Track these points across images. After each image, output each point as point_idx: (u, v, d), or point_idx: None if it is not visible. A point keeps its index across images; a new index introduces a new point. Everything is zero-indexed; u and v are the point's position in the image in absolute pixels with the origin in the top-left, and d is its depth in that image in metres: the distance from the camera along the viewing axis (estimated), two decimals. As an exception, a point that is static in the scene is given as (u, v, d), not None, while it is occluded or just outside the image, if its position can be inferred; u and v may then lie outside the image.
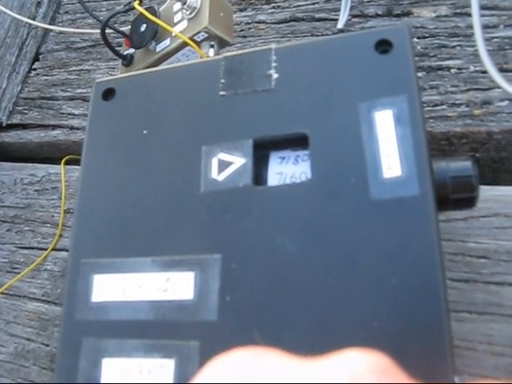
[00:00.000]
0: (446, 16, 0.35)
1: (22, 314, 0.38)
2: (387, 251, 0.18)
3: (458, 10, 0.35)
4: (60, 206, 0.41)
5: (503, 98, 0.31)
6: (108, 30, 0.30)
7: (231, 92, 0.23)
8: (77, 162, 0.42)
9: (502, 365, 0.25)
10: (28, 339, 0.36)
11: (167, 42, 0.30)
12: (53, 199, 0.42)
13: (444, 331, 0.17)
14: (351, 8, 0.37)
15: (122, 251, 0.22)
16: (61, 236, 0.40)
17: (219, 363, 0.13)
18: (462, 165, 0.22)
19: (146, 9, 0.30)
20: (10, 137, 0.48)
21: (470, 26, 0.29)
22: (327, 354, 0.13)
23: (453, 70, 0.33)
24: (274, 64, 0.23)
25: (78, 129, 0.45)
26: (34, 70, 0.51)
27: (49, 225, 0.41)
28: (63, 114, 0.46)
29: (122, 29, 0.33)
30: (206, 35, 0.29)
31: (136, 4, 0.30)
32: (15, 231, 0.42)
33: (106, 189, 0.23)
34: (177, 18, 0.30)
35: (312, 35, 0.39)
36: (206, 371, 0.13)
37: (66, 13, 0.53)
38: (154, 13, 0.30)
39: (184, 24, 0.29)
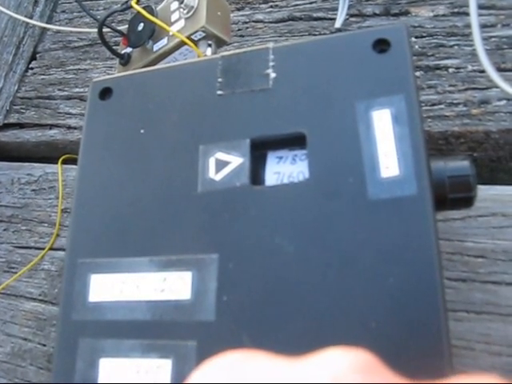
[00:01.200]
0: (443, 15, 0.35)
1: (19, 313, 0.38)
2: (385, 251, 0.18)
3: (456, 10, 0.35)
4: (57, 206, 0.41)
5: (501, 97, 0.31)
6: (105, 29, 0.30)
7: (228, 91, 0.23)
8: (74, 162, 0.42)
9: (499, 364, 0.25)
10: (25, 339, 0.36)
11: (164, 41, 0.30)
12: (50, 199, 0.42)
13: (442, 330, 0.17)
14: (349, 7, 0.37)
15: (119, 251, 0.22)
16: (58, 235, 0.40)
17: (211, 365, 0.13)
18: (460, 164, 0.22)
19: (144, 8, 0.30)
20: (7, 136, 0.48)
21: (468, 26, 0.29)
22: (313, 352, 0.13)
23: (451, 70, 0.33)
24: (271, 63, 0.23)
25: (75, 128, 0.45)
26: (31, 69, 0.51)
27: (46, 224, 0.41)
28: (60, 113, 0.46)
29: (119, 28, 0.33)
30: (204, 34, 0.29)
31: (133, 3, 0.30)
32: (12, 231, 0.42)
33: (103, 188, 0.23)
34: (174, 17, 0.30)
35: (310, 34, 0.39)
36: (198, 373, 0.13)
37: (63, 12, 0.53)
38: (152, 12, 0.30)
39: (181, 23, 0.29)
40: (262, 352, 0.14)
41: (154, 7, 0.30)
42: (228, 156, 0.22)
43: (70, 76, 0.48)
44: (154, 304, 0.20)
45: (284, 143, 0.22)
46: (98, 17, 0.31)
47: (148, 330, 0.20)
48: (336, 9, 0.38)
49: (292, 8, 0.41)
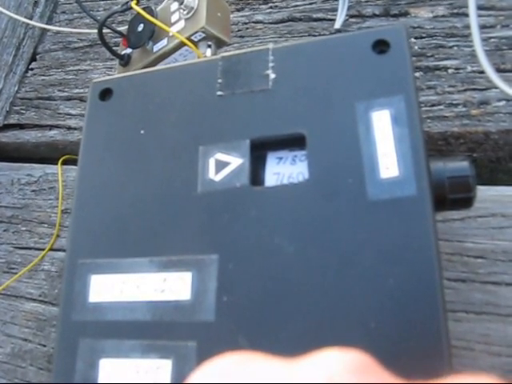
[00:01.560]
0: (443, 16, 0.35)
1: (19, 314, 0.38)
2: (384, 251, 0.18)
3: (456, 10, 0.35)
4: (57, 206, 0.41)
5: (500, 98, 0.31)
6: (105, 30, 0.30)
7: (228, 92, 0.23)
8: (74, 162, 0.42)
9: (498, 364, 0.25)
10: (25, 340, 0.36)
11: (164, 41, 0.30)
12: (50, 199, 0.42)
13: (441, 331, 0.17)
14: (349, 8, 0.37)
15: (119, 251, 0.22)
16: (58, 236, 0.40)
17: (210, 366, 0.14)
18: (459, 165, 0.22)
19: (144, 9, 0.30)
20: (7, 137, 0.48)
21: (468, 26, 0.29)
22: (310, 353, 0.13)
23: (450, 70, 0.33)
24: (271, 64, 0.23)
25: (75, 129, 0.45)
26: (31, 69, 0.51)
27: (46, 225, 0.41)
28: (60, 114, 0.46)
29: (119, 28, 0.33)
30: (204, 35, 0.29)
31: (133, 4, 0.30)
32: (12, 231, 0.42)
33: (103, 189, 0.23)
34: (174, 17, 0.30)
35: (309, 35, 0.39)
36: (197, 373, 0.14)
37: (63, 12, 0.53)
38: (151, 13, 0.30)
39: (181, 24, 0.29)
40: (260, 353, 0.14)
41: (153, 8, 0.30)
42: (228, 157, 0.22)
43: (70, 77, 0.48)
44: (154, 304, 0.20)
45: (284, 144, 0.22)
46: (98, 18, 0.31)
47: (148, 330, 0.20)
48: (336, 9, 0.38)
49: (292, 9, 0.41)
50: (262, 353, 0.14)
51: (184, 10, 0.29)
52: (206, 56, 0.29)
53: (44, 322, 0.36)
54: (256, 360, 0.13)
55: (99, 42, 0.31)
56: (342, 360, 0.12)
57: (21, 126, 0.48)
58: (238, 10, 0.43)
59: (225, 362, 0.14)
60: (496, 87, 0.26)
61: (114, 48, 0.32)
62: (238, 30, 0.42)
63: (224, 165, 0.22)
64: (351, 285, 0.18)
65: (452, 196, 0.21)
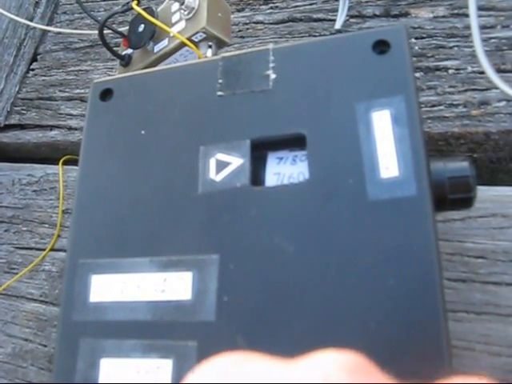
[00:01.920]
0: (443, 17, 0.35)
1: (19, 314, 0.38)
2: (385, 251, 0.18)
3: (456, 11, 0.35)
4: (58, 207, 0.41)
5: (501, 98, 0.31)
6: (106, 31, 0.30)
7: (229, 92, 0.23)
8: (75, 163, 0.42)
9: (498, 364, 0.25)
10: (26, 340, 0.36)
11: (165, 42, 0.30)
12: (51, 199, 0.42)
13: (441, 331, 0.17)
14: (349, 8, 0.37)
15: (119, 251, 0.22)
16: (59, 236, 0.40)
17: (207, 366, 0.14)
18: (460, 165, 0.22)
19: (144, 9, 0.30)
20: (8, 137, 0.48)
21: (468, 27, 0.29)
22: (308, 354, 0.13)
23: (450, 71, 0.33)
24: (271, 64, 0.23)
25: (75, 129, 0.45)
26: (32, 70, 0.51)
27: (47, 225, 0.41)
28: (61, 114, 0.46)
29: (120, 29, 0.33)
30: (204, 36, 0.29)
31: (134, 4, 0.30)
32: (13, 231, 0.42)
33: (103, 189, 0.23)
34: (175, 18, 0.30)
35: (310, 36, 0.39)
36: (194, 373, 0.14)
37: (64, 13, 0.53)
38: (152, 13, 0.30)
39: (182, 24, 0.29)
40: (258, 353, 0.14)
41: (154, 8, 0.30)
42: (228, 157, 0.22)
43: (71, 77, 0.48)
44: (155, 304, 0.20)
45: (284, 144, 0.22)
46: (99, 18, 0.31)
47: (148, 330, 0.20)
48: (336, 10, 0.38)
49: (292, 9, 0.41)
50: (260, 353, 0.14)
51: (185, 11, 0.29)
52: (206, 56, 0.29)
53: (45, 322, 0.37)
54: (253, 360, 0.13)
55: (100, 43, 0.31)
56: (337, 360, 0.12)
57: (22, 127, 0.48)
58: (239, 11, 0.43)
59: (222, 361, 0.14)
60: (496, 88, 0.26)
61: (114, 48, 0.32)
62: (239, 31, 0.42)
63: (224, 165, 0.22)
64: (351, 285, 0.18)
65: (452, 196, 0.21)
